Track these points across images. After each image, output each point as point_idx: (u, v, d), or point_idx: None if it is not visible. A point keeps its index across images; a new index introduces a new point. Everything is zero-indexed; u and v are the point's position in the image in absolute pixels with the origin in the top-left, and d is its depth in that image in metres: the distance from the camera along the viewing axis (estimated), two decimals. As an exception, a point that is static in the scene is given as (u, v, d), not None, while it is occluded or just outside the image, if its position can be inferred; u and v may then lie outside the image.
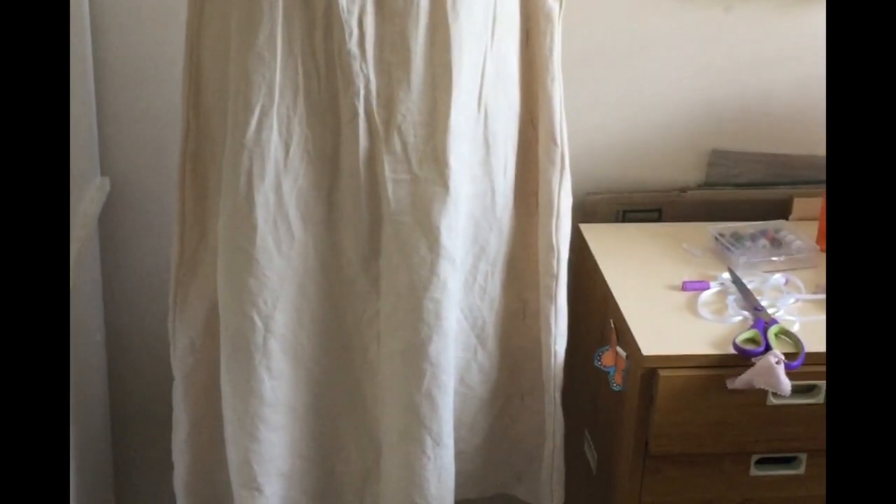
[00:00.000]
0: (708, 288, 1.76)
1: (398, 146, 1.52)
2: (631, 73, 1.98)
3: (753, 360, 1.57)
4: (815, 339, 1.61)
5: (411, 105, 1.50)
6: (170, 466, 1.75)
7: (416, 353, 1.57)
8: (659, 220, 2.03)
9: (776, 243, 1.87)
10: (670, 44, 1.97)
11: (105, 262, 2.00)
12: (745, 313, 1.70)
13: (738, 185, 2.06)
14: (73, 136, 1.52)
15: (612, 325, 1.72)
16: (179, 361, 1.68)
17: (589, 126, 1.96)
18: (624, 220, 2.03)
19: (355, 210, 1.56)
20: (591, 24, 1.92)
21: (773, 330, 1.62)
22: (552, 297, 1.66)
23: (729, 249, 1.84)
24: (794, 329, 1.66)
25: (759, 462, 1.67)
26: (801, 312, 1.71)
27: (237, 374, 1.60)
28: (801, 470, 1.67)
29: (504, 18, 1.55)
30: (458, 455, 1.68)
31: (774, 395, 1.60)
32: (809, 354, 1.59)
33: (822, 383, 1.61)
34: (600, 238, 1.92)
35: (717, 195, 2.04)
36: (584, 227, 1.94)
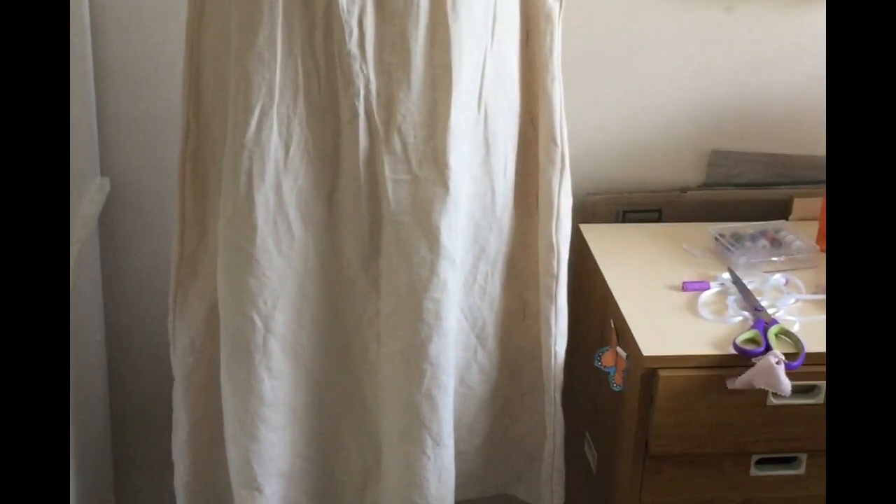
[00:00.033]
0: (708, 288, 1.76)
1: (398, 146, 1.52)
2: (631, 73, 1.98)
3: (753, 360, 1.57)
4: (815, 340, 1.61)
5: (411, 105, 1.50)
6: (170, 466, 1.75)
7: (416, 353, 1.57)
8: (659, 220, 2.03)
9: (776, 243, 1.87)
10: (670, 44, 1.97)
11: (105, 262, 2.00)
12: (746, 313, 1.70)
13: (738, 186, 2.06)
14: (73, 137, 1.52)
15: (613, 326, 1.72)
16: (179, 361, 1.68)
17: (589, 126, 1.96)
18: (624, 221, 2.03)
19: (355, 210, 1.56)
20: (591, 24, 1.92)
21: (773, 330, 1.62)
22: (552, 298, 1.66)
23: (729, 250, 1.84)
24: (795, 329, 1.66)
25: (760, 462, 1.67)
26: (801, 313, 1.71)
27: (237, 374, 1.60)
28: (802, 470, 1.67)
29: (504, 18, 1.55)
30: (459, 455, 1.68)
31: (774, 395, 1.60)
32: (809, 355, 1.59)
33: (822, 383, 1.61)
34: (600, 238, 1.92)
35: (717, 195, 2.04)
36: (584, 227, 1.94)
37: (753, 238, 1.88)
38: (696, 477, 1.66)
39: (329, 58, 1.49)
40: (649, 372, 1.60)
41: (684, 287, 1.77)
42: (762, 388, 1.56)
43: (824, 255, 1.80)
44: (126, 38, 1.89)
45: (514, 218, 1.65)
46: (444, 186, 1.52)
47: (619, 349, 1.68)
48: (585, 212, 2.00)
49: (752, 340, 1.62)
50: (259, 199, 1.52)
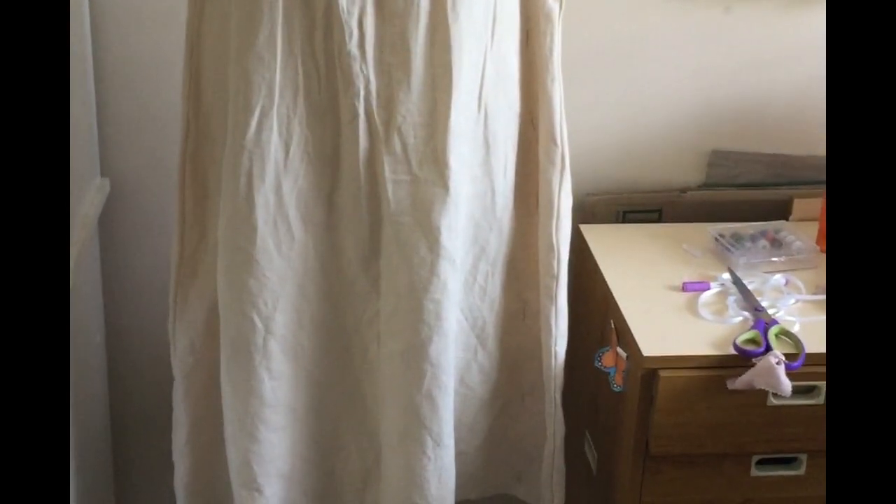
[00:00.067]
0: (708, 288, 1.76)
1: (398, 147, 1.52)
2: (631, 73, 1.98)
3: (754, 360, 1.57)
4: (815, 340, 1.61)
5: (411, 106, 1.50)
6: (170, 467, 1.75)
7: (416, 354, 1.57)
8: (659, 220, 2.03)
9: (776, 244, 1.87)
10: (670, 44, 1.97)
11: (105, 263, 2.00)
12: (746, 314, 1.70)
13: (738, 186, 2.06)
14: (73, 137, 1.52)
15: (613, 326, 1.72)
16: (179, 362, 1.68)
17: (589, 126, 1.96)
18: (624, 221, 2.03)
19: (355, 211, 1.56)
20: (591, 24, 1.92)
21: (773, 330, 1.62)
22: (552, 298, 1.66)
23: (729, 250, 1.84)
24: (795, 330, 1.65)
25: (760, 462, 1.67)
26: (801, 313, 1.71)
27: (237, 375, 1.60)
28: (802, 470, 1.67)
29: (504, 18, 1.55)
30: (459, 455, 1.68)
31: (775, 395, 1.59)
32: (810, 355, 1.59)
33: (823, 384, 1.61)
34: (600, 239, 1.92)
35: (717, 196, 2.04)
36: (584, 227, 1.94)
37: (753, 238, 1.88)
38: (696, 477, 1.66)
39: (329, 58, 1.49)
40: (649, 372, 1.60)
41: (684, 287, 1.77)
42: (762, 388, 1.56)
43: (824, 255, 1.80)
44: (126, 38, 1.89)
45: (514, 218, 1.65)
46: (444, 187, 1.52)
47: (619, 349, 1.68)
48: (585, 212, 2.00)
49: (752, 341, 1.62)
50: (259, 200, 1.52)
